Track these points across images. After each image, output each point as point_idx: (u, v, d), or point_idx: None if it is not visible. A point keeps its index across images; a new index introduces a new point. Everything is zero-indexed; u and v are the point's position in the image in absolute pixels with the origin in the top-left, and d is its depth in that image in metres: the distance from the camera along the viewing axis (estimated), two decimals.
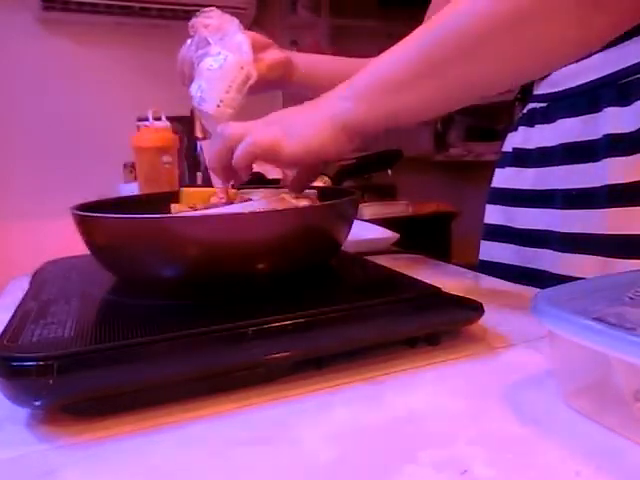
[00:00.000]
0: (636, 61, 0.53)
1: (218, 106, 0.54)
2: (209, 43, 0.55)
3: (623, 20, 0.40)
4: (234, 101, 0.55)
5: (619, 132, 0.53)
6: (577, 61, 0.56)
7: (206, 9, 0.56)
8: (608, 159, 0.54)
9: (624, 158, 0.52)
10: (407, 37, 0.44)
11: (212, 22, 0.55)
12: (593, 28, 0.39)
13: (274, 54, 0.63)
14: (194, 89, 0.55)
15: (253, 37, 0.59)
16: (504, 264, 0.68)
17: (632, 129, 0.52)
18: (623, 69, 0.54)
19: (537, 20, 0.39)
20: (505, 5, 0.39)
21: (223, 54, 0.54)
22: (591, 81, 0.57)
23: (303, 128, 0.46)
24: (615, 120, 0.54)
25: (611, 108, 0.55)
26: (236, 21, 0.57)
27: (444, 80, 0.43)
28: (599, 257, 0.54)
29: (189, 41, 0.58)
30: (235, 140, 0.46)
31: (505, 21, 0.40)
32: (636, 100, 0.52)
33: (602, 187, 0.54)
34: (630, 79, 0.54)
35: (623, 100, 0.54)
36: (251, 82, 0.56)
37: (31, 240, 1.95)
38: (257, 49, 0.59)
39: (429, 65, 0.43)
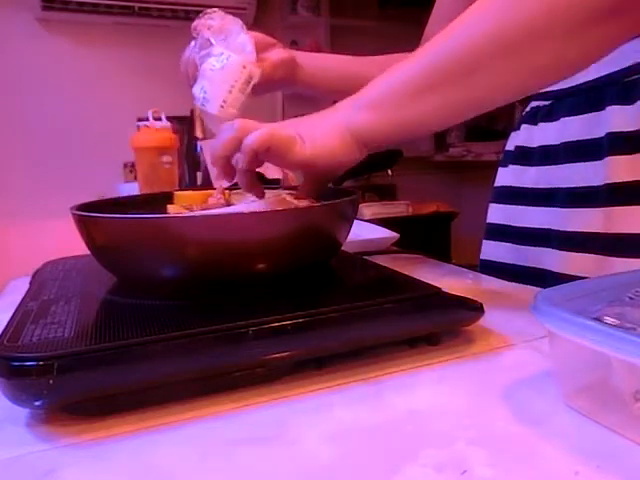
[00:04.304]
0: None
1: (221, 106, 0.54)
2: (212, 44, 0.55)
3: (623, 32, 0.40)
4: (237, 101, 0.55)
5: (621, 131, 0.53)
6: None
7: (209, 10, 0.56)
8: (610, 157, 0.54)
9: (626, 157, 0.53)
10: (422, 48, 0.45)
11: (214, 23, 0.55)
12: (590, 44, 0.40)
13: (278, 53, 0.62)
14: (197, 90, 0.55)
15: (257, 37, 0.59)
16: (506, 263, 0.68)
17: (634, 128, 0.52)
18: (628, 67, 0.54)
19: (540, 39, 0.39)
20: (510, 25, 0.40)
21: (226, 54, 0.54)
22: (595, 79, 0.57)
23: (317, 134, 0.47)
24: (618, 119, 0.54)
25: (614, 106, 0.55)
26: (239, 22, 0.57)
27: (450, 94, 0.43)
28: (599, 256, 0.54)
29: (193, 43, 0.58)
30: (248, 130, 0.45)
31: (510, 42, 0.40)
32: (639, 99, 0.53)
33: (603, 186, 0.54)
34: (634, 77, 0.54)
35: (626, 99, 0.54)
36: (254, 82, 0.56)
37: (31, 240, 1.95)
38: (261, 49, 0.59)
39: (436, 79, 0.43)
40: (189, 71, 0.60)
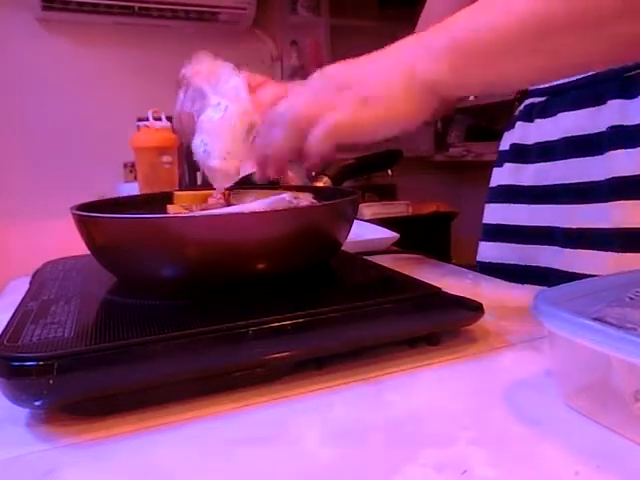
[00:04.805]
0: None
1: (224, 159, 0.51)
2: (205, 93, 0.52)
3: None
4: (240, 151, 0.52)
5: (623, 124, 0.53)
6: None
7: (195, 56, 0.54)
8: (612, 152, 0.54)
9: (629, 150, 0.52)
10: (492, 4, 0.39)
11: (202, 68, 0.53)
12: None
13: (273, 91, 0.56)
14: (197, 144, 0.52)
15: (247, 77, 0.57)
16: (503, 264, 0.68)
17: (637, 122, 0.52)
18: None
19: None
20: None
21: (223, 104, 0.51)
22: (595, 74, 0.57)
23: (385, 91, 0.40)
24: (620, 113, 0.54)
25: (616, 101, 0.54)
26: (229, 65, 0.54)
27: (550, 55, 0.38)
28: (605, 252, 0.54)
29: (181, 95, 0.55)
30: (308, 121, 0.41)
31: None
32: None
33: (606, 180, 0.54)
34: (635, 72, 0.54)
35: (628, 93, 0.54)
36: (256, 130, 0.53)
37: (31, 240, 1.95)
38: (253, 88, 0.57)
39: (536, 37, 0.38)
40: (184, 125, 0.56)
